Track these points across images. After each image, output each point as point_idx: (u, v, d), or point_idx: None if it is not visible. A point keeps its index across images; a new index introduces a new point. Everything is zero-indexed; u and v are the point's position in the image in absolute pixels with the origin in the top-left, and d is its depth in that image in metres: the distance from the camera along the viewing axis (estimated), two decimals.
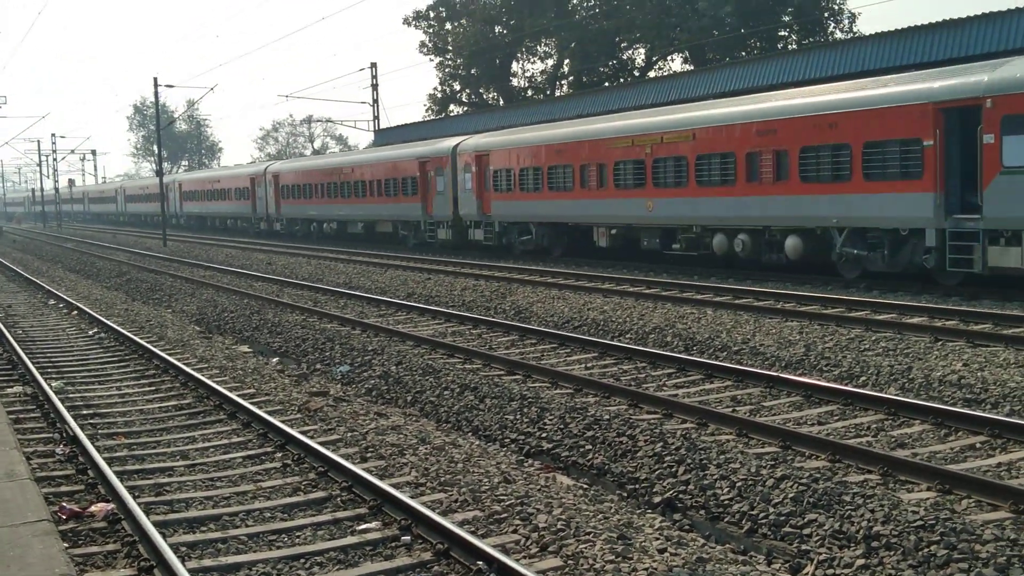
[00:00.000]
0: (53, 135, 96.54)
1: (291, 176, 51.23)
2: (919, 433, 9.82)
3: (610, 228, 27.83)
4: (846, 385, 11.88)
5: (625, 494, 8.83)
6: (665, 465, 9.03)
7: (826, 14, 46.00)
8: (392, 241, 41.91)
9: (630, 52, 57.18)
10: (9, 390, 13.50)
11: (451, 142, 36.13)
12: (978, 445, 9.31)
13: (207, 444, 10.56)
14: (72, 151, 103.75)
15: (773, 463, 8.71)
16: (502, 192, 31.97)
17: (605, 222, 27.76)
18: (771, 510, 7.80)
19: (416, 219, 38.40)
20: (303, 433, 10.38)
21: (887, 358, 13.04)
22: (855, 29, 45.45)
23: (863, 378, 12.28)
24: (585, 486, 9.06)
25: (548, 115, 40.98)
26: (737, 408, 11.24)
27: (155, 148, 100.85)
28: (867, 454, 8.87)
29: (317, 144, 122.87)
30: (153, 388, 13.76)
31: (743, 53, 46.09)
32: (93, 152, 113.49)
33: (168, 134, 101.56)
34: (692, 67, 48.68)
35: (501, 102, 60.37)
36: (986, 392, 11.06)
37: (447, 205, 35.38)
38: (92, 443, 10.14)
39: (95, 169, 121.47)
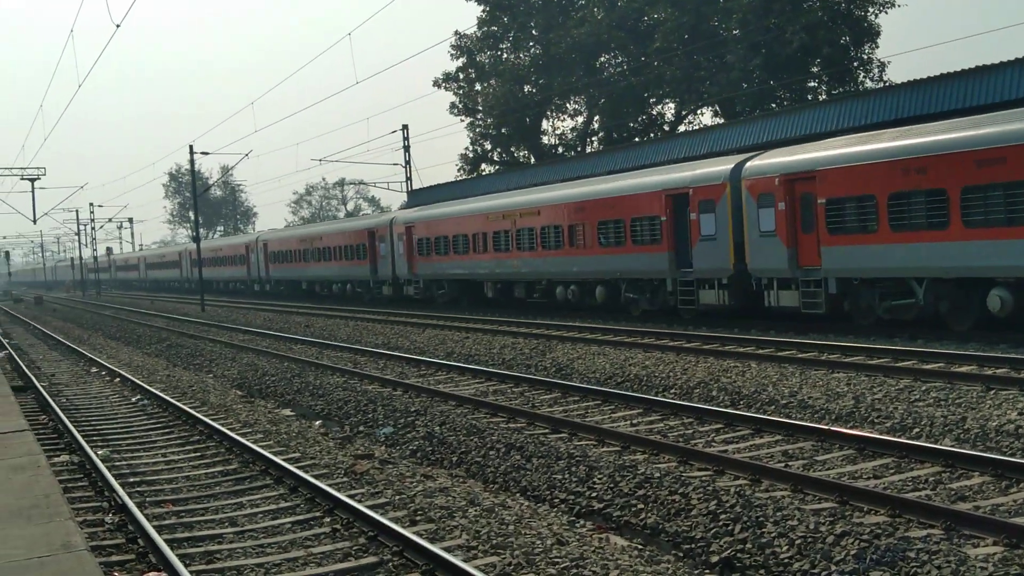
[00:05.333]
0: (91, 204, 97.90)
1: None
2: (979, 485, 9.59)
3: None
4: (899, 437, 11.66)
5: (681, 554, 8.65)
6: (720, 523, 8.86)
7: (855, 63, 46.00)
8: None
9: (659, 107, 57.45)
10: (56, 459, 13.52)
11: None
12: None
13: (255, 510, 10.50)
14: (109, 220, 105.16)
15: (832, 519, 8.53)
16: None
17: None
18: (833, 568, 7.61)
19: None
20: (351, 497, 10.31)
21: (939, 408, 12.79)
22: (885, 78, 45.42)
23: (916, 429, 12.05)
24: (640, 546, 8.90)
25: (579, 171, 41.04)
26: (790, 463, 11.05)
27: (191, 215, 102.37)
28: (928, 508, 8.66)
29: (350, 206, 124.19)
30: (198, 454, 13.76)
31: (772, 105, 46.15)
32: (130, 220, 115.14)
33: (203, 200, 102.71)
34: (722, 120, 48.79)
35: (532, 160, 60.73)
36: None
37: None
38: (141, 511, 10.11)
39: (131, 237, 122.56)
